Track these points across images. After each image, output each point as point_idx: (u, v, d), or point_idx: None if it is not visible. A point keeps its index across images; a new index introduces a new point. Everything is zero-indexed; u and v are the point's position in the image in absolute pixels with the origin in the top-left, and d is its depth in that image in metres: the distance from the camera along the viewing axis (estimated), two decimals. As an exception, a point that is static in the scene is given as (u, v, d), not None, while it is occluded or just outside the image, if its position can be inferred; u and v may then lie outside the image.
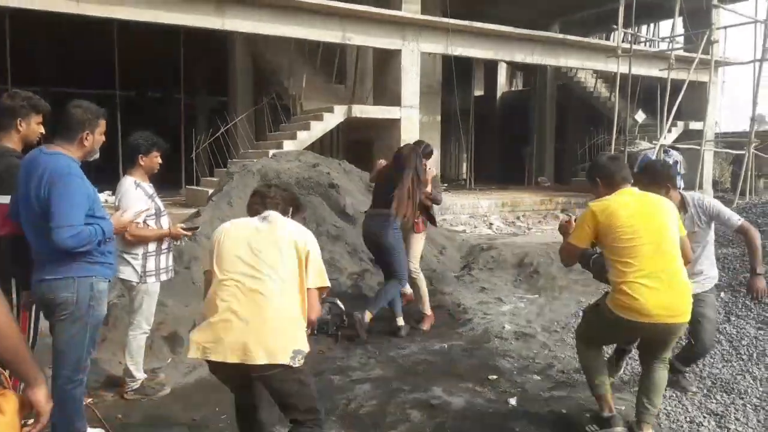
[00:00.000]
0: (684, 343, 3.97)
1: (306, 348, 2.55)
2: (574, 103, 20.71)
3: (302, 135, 11.70)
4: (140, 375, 3.91)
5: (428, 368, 4.37)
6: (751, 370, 3.93)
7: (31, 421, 1.67)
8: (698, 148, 14.20)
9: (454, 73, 14.28)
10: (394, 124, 12.47)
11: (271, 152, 9.45)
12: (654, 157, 13.41)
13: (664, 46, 17.19)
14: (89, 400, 3.54)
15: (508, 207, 13.98)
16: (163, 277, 3.97)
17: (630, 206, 3.12)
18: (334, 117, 11.99)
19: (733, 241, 5.39)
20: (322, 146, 13.65)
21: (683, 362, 3.88)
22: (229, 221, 2.83)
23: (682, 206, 3.74)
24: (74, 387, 2.91)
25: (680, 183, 14.85)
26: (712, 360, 4.13)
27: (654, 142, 14.02)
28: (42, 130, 3.27)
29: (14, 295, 3.09)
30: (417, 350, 4.75)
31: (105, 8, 9.45)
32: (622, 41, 14.34)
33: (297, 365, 2.48)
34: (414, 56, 12.55)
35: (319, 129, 11.96)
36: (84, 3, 9.20)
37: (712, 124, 15.95)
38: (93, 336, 2.99)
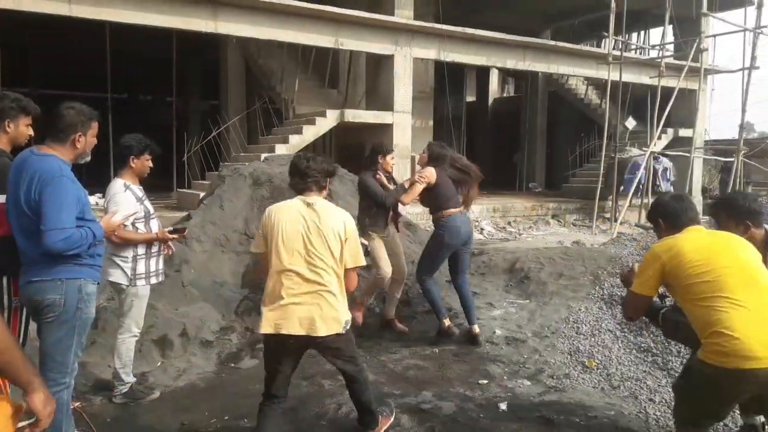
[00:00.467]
0: None
1: (349, 316, 3.15)
2: (565, 110, 20.82)
3: (294, 139, 11.70)
4: (129, 379, 3.89)
5: (419, 373, 4.37)
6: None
7: (22, 424, 1.65)
8: (688, 155, 14.34)
9: (447, 79, 14.33)
10: (386, 128, 12.49)
11: (263, 156, 9.44)
12: (643, 164, 13.55)
13: (654, 53, 17.33)
14: (77, 404, 3.51)
15: (499, 212, 14.03)
16: (153, 281, 3.95)
17: (698, 240, 2.79)
18: (327, 121, 12.00)
19: None
20: (314, 150, 13.64)
21: None
22: (278, 208, 3.13)
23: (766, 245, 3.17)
24: (61, 390, 2.88)
25: (669, 189, 15.05)
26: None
27: (644, 149, 14.14)
28: (31, 132, 3.25)
29: (5, 296, 3.07)
30: (408, 355, 4.74)
31: (96, 10, 9.42)
32: (613, 48, 14.47)
33: (345, 331, 3.08)
34: (407, 62, 12.59)
35: (311, 133, 11.96)
36: (75, 5, 9.16)
37: (701, 132, 16.10)
38: (81, 339, 2.96)
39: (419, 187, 4.91)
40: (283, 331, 2.97)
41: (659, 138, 14.69)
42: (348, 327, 3.10)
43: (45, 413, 1.66)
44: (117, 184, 3.79)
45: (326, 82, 15.10)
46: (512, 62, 14.40)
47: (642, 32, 19.98)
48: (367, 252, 4.74)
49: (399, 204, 5.14)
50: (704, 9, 13.60)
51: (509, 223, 13.68)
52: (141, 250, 3.82)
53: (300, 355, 3.16)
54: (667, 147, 15.89)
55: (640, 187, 13.96)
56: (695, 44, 13.81)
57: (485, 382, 4.19)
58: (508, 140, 21.97)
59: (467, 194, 5.14)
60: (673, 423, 2.94)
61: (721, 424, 3.38)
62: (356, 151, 13.04)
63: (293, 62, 14.21)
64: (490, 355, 4.73)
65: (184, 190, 12.63)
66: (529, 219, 14.31)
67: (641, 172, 13.66)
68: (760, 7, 13.34)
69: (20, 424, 1.64)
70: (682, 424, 2.81)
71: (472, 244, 5.25)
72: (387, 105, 12.56)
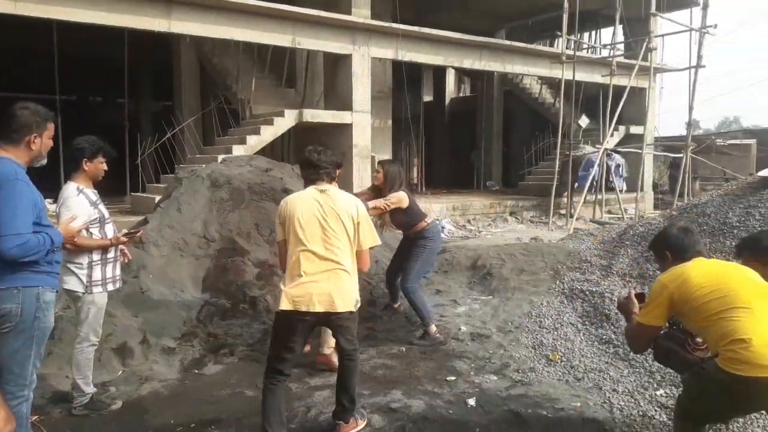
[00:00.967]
0: None
1: (358, 295, 3.35)
2: (520, 109, 21.18)
3: (252, 140, 11.55)
4: (89, 389, 3.76)
5: (387, 372, 4.37)
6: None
7: None
8: (639, 151, 14.75)
9: (405, 78, 14.38)
10: (345, 128, 12.45)
11: (221, 157, 9.28)
12: (597, 161, 13.89)
13: (605, 53, 17.79)
14: (35, 417, 3.38)
15: (458, 210, 14.17)
16: (110, 287, 3.83)
17: (706, 266, 2.78)
18: (285, 121, 11.88)
19: None
20: (272, 150, 13.50)
21: None
22: (294, 197, 3.37)
23: None
24: (19, 403, 2.77)
25: (622, 185, 15.49)
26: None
27: (597, 146, 14.50)
28: None
29: None
30: (375, 354, 4.74)
31: (44, 8, 9.07)
32: (566, 48, 14.79)
33: (355, 309, 3.32)
34: (365, 61, 12.57)
35: (269, 133, 11.83)
36: (21, 3, 8.82)
37: (651, 129, 16.59)
38: (39, 349, 2.85)
39: (380, 211, 4.95)
40: (302, 308, 3.14)
41: (611, 135, 15.09)
42: (358, 305, 3.33)
43: (6, 430, 1.59)
44: (70, 188, 3.66)
45: (283, 81, 14.95)
46: (469, 62, 14.55)
47: (594, 32, 20.47)
48: None
49: None
50: (653, 9, 14.01)
51: (469, 221, 13.83)
52: (96, 256, 3.70)
53: (312, 330, 3.35)
54: (619, 144, 16.34)
55: (594, 183, 14.31)
56: (645, 44, 14.23)
57: (453, 378, 4.21)
58: (465, 139, 22.22)
59: None
60: (674, 415, 2.93)
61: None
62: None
63: (249, 61, 14.02)
64: (456, 351, 4.77)
65: (138, 193, 12.32)
66: (487, 216, 14.49)
67: (595, 168, 14.01)
68: (705, 7, 13.83)
69: None
70: (683, 420, 2.77)
71: None
72: (346, 105, 12.52)
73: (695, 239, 2.95)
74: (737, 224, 5.52)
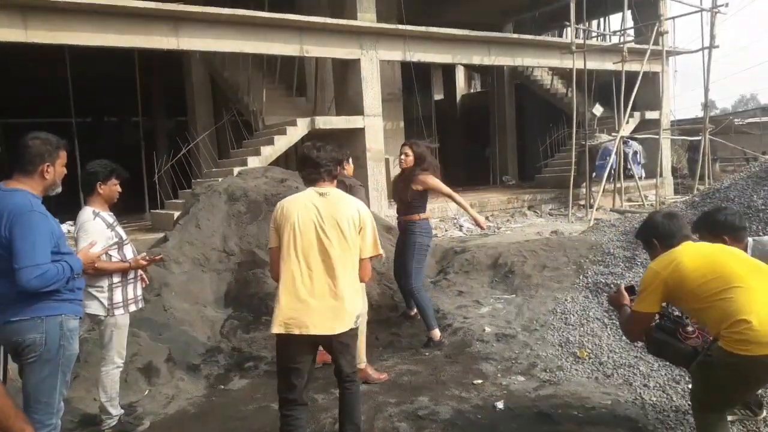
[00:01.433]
0: None
1: (359, 310, 3.11)
2: (532, 101, 20.99)
3: (266, 150, 11.59)
4: (116, 411, 3.78)
5: (413, 378, 4.34)
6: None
7: None
8: (656, 137, 14.54)
9: (414, 79, 14.33)
10: (358, 132, 12.45)
11: (236, 170, 9.32)
12: (614, 149, 13.71)
13: (615, 39, 17.57)
14: (65, 442, 3.40)
15: (476, 208, 13.97)
16: (132, 308, 3.85)
17: (697, 249, 2.82)
18: (298, 130, 11.90)
19: None
20: (287, 160, 13.54)
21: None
22: (290, 201, 3.06)
23: None
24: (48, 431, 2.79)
25: (641, 172, 15.27)
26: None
27: (613, 134, 14.31)
28: None
29: None
30: (400, 361, 4.71)
31: (54, 35, 9.20)
32: (575, 37, 14.62)
33: (356, 325, 3.06)
34: (373, 65, 12.56)
35: (283, 143, 11.86)
36: (32, 30, 8.94)
37: (667, 113, 16.35)
38: (65, 377, 2.87)
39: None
40: (295, 331, 2.89)
41: (627, 122, 14.87)
42: (359, 323, 3.09)
43: None
44: (86, 213, 3.69)
45: (294, 90, 15.00)
46: (477, 58, 14.45)
47: (602, 19, 20.24)
48: None
49: None
50: (661, -8, 13.81)
51: (487, 218, 13.72)
52: (116, 278, 3.72)
53: (315, 351, 3.09)
54: (635, 130, 16.10)
55: (612, 172, 14.13)
56: (655, 28, 14.02)
57: (480, 381, 4.17)
58: (479, 135, 22.09)
59: None
60: (692, 408, 2.91)
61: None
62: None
63: (259, 72, 14.09)
64: (481, 353, 4.72)
65: (158, 210, 12.43)
66: (506, 212, 14.38)
67: (612, 157, 13.82)
68: (715, -13, 13.61)
69: None
70: (703, 410, 2.76)
71: None
72: (357, 109, 12.51)
73: (681, 224, 2.98)
74: (763, 207, 5.41)
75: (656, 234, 2.98)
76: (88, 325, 4.66)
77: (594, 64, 15.07)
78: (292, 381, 3.00)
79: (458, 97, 25.05)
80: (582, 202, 14.53)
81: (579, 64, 14.07)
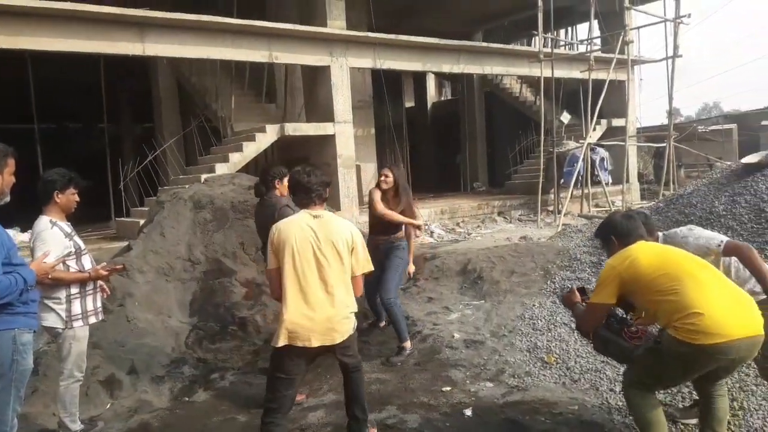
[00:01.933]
0: None
1: (354, 318, 3.28)
2: (502, 109, 21.20)
3: (235, 157, 11.46)
4: (76, 426, 3.67)
5: (381, 387, 4.30)
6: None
7: None
8: (622, 143, 14.79)
9: (384, 86, 14.35)
10: (329, 139, 12.40)
11: (204, 177, 9.19)
12: (581, 156, 13.91)
13: (582, 48, 17.87)
14: (20, 460, 3.27)
15: (447, 214, 14.12)
16: (92, 320, 3.75)
17: (650, 248, 3.02)
18: (267, 136, 11.81)
19: None
20: (256, 166, 13.41)
21: None
22: (286, 223, 3.23)
23: None
24: (0, 450, 2.68)
25: (608, 178, 15.52)
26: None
27: (581, 141, 14.52)
28: None
29: None
30: (369, 369, 4.65)
31: (16, 40, 8.95)
32: (543, 46, 14.80)
33: (354, 331, 3.28)
34: (343, 72, 12.53)
35: (252, 149, 11.74)
36: (-9, 35, 8.72)
37: (633, 120, 16.66)
38: (19, 393, 2.77)
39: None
40: (299, 344, 3.07)
41: (594, 129, 15.11)
42: (355, 326, 3.29)
43: None
44: (43, 222, 3.57)
45: (263, 96, 14.88)
46: (447, 66, 14.55)
47: (569, 28, 20.57)
48: None
49: None
50: (626, 3, 14.09)
51: (458, 224, 13.78)
52: (75, 289, 3.61)
53: (312, 362, 3.31)
54: (602, 137, 16.38)
55: (580, 178, 14.33)
56: (621, 37, 14.29)
57: (448, 389, 4.15)
58: (450, 142, 22.21)
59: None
60: (623, 386, 3.07)
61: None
62: (300, 165, 12.88)
63: (228, 78, 13.95)
64: (450, 360, 4.70)
65: (123, 218, 12.18)
66: (476, 218, 14.47)
67: (579, 163, 14.02)
68: (677, -3, 13.94)
69: None
70: (635, 388, 2.94)
71: None
72: (327, 116, 12.47)
73: (637, 224, 3.17)
74: (724, 212, 5.52)
75: (615, 232, 3.17)
76: (47, 337, 4.52)
77: (561, 72, 15.29)
78: (282, 392, 3.14)
79: (429, 105, 25.18)
80: (551, 208, 14.70)
81: (547, 72, 14.26)
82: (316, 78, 12.78)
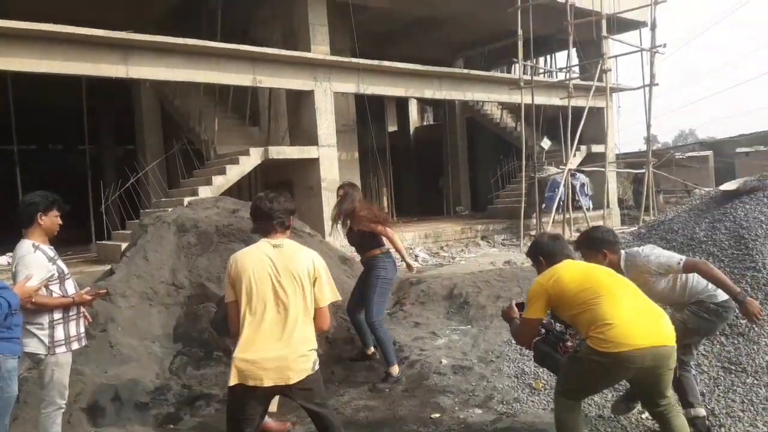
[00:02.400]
0: None
1: (316, 357, 3.01)
2: (483, 134, 21.48)
3: (218, 180, 11.42)
4: (58, 456, 3.56)
5: (369, 414, 4.26)
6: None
7: None
8: (602, 169, 15.02)
9: (368, 110, 14.47)
10: (312, 163, 12.43)
11: (187, 200, 9.14)
12: (562, 182, 14.10)
13: (561, 76, 18.22)
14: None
15: (431, 238, 14.17)
16: (75, 346, 3.65)
17: (574, 267, 3.25)
18: (251, 159, 11.80)
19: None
20: (240, 190, 13.37)
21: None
22: (243, 254, 3.04)
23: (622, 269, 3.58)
24: (-18, 482, 2.60)
25: (588, 203, 15.74)
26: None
27: (561, 166, 14.73)
28: None
29: None
30: (356, 396, 4.62)
31: (-4, 60, 8.92)
32: (523, 73, 15.07)
33: (314, 371, 2.97)
34: (327, 96, 12.62)
35: (235, 173, 11.72)
36: (-28, 55, 8.65)
37: (612, 147, 16.95)
38: (4, 420, 2.70)
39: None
40: (250, 383, 2.84)
41: (574, 155, 15.36)
42: (317, 367, 3.01)
43: None
44: (25, 245, 3.49)
45: (247, 119, 14.90)
46: (430, 92, 14.74)
47: (549, 56, 20.98)
48: None
49: None
50: (604, 32, 14.44)
51: (442, 248, 13.83)
52: (58, 314, 3.52)
53: (269, 401, 3.11)
54: (582, 163, 16.64)
55: (561, 203, 14.51)
56: (599, 65, 14.61)
57: (437, 415, 4.13)
58: (432, 166, 22.40)
59: None
60: (554, 395, 3.25)
61: None
62: (285, 188, 12.88)
63: (211, 101, 13.96)
64: (438, 386, 4.68)
65: (104, 242, 12.02)
66: (460, 242, 14.53)
67: (560, 189, 14.21)
68: (653, 28, 14.32)
69: None
70: (564, 397, 3.14)
71: None
72: (311, 140, 12.51)
73: (563, 244, 3.42)
74: (704, 239, 5.60)
75: (542, 252, 3.41)
76: (29, 363, 4.41)
77: (541, 99, 15.56)
78: (244, 429, 2.94)
79: (411, 130, 25.41)
80: (533, 232, 14.81)
81: (527, 99, 14.50)
82: (300, 102, 12.85)
